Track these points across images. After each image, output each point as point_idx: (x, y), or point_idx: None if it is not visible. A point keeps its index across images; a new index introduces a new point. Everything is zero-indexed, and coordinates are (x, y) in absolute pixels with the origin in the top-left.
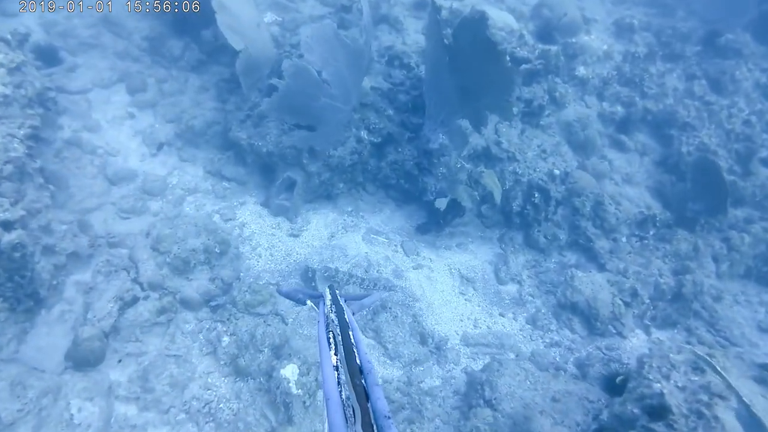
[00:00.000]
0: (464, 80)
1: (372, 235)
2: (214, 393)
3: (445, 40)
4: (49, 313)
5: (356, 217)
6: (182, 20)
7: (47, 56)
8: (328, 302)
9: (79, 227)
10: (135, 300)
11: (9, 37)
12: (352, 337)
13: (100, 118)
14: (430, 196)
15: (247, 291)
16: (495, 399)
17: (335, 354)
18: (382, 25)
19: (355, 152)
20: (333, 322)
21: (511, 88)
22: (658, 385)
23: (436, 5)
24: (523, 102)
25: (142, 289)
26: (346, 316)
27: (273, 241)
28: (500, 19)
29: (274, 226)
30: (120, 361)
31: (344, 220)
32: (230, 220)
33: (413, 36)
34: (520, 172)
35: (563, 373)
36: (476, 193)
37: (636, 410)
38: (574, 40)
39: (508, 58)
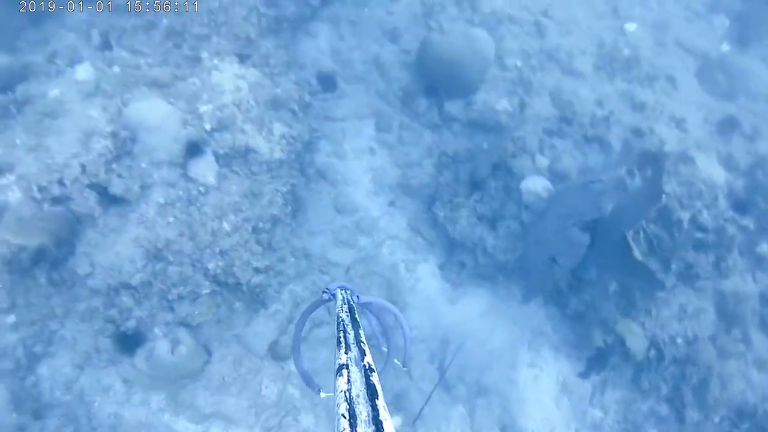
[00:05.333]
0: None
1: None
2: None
3: None
4: (268, 310)
5: (508, 305)
6: (432, 85)
7: (326, 82)
8: (339, 302)
9: (303, 254)
10: (321, 324)
11: (296, 107)
12: (363, 335)
13: (348, 147)
14: (568, 312)
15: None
16: None
17: (346, 353)
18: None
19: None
20: (344, 321)
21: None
22: None
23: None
24: (684, 263)
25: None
26: (357, 315)
27: (434, 302)
28: (707, 169)
29: (439, 289)
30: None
31: (496, 304)
32: (411, 271)
33: None
34: (647, 327)
35: None
36: (608, 338)
37: None
38: None
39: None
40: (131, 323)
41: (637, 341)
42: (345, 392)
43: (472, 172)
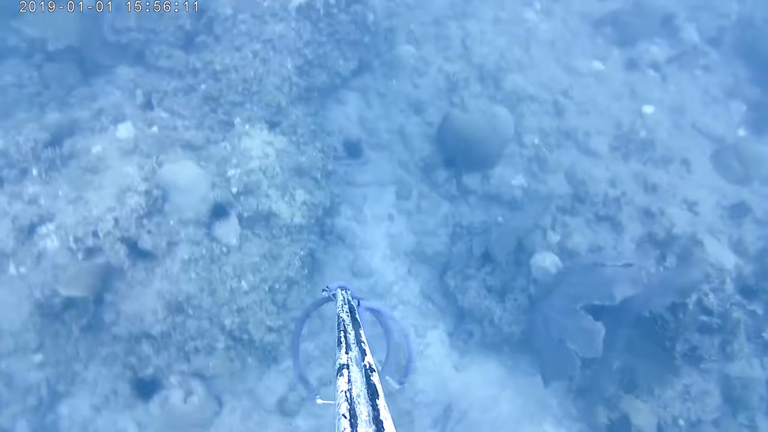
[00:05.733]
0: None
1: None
2: None
3: None
4: (279, 366)
5: (513, 376)
6: (452, 158)
7: (352, 149)
8: (340, 302)
9: (317, 314)
10: (329, 384)
11: (318, 176)
12: (363, 335)
13: (368, 213)
14: (573, 386)
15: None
16: None
17: (346, 353)
18: None
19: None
20: (344, 321)
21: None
22: None
23: None
24: (688, 344)
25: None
26: (357, 315)
27: (441, 368)
28: (716, 253)
29: (447, 355)
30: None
31: (501, 374)
32: (421, 336)
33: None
34: (650, 407)
35: None
36: (612, 414)
37: None
38: None
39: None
40: (149, 371)
41: (642, 418)
42: (345, 392)
43: (485, 245)
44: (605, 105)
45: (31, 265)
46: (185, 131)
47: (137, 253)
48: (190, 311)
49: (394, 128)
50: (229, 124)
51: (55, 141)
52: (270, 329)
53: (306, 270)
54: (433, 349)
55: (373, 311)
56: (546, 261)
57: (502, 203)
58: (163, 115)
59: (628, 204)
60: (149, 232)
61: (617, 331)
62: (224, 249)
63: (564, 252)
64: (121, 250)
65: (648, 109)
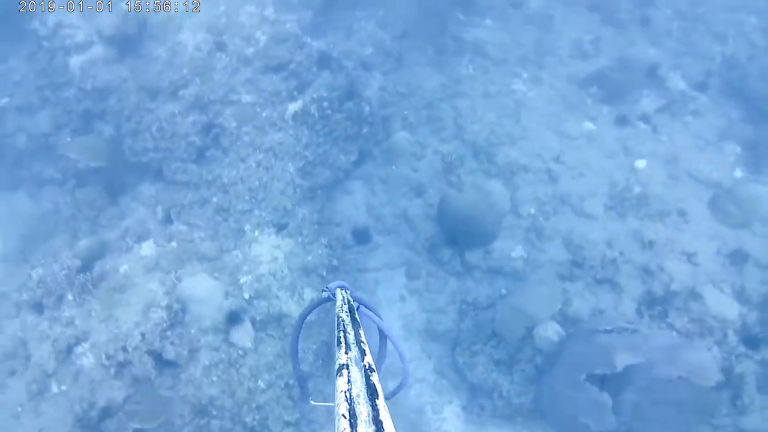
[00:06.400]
0: None
1: None
2: None
3: None
4: None
5: None
6: (453, 237)
7: (361, 236)
8: (339, 302)
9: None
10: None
11: (324, 272)
12: (362, 335)
13: (381, 296)
14: None
15: None
16: None
17: (346, 353)
18: None
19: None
20: (344, 321)
21: None
22: None
23: None
24: None
25: None
26: (357, 316)
27: None
28: (717, 305)
29: (463, 430)
30: None
31: None
32: (437, 413)
33: None
34: None
35: None
36: None
37: None
38: None
39: None
40: None
41: None
42: (345, 392)
43: (492, 327)
44: (598, 165)
45: (71, 383)
46: (201, 243)
47: (163, 363)
48: (214, 412)
49: (398, 212)
50: (240, 232)
51: (86, 265)
52: (288, 423)
53: (320, 361)
54: (450, 423)
55: (382, 333)
56: (548, 331)
57: (506, 275)
58: (182, 228)
59: (627, 263)
60: (172, 343)
61: (622, 396)
62: (240, 352)
63: (566, 319)
64: (148, 362)
65: (640, 163)
